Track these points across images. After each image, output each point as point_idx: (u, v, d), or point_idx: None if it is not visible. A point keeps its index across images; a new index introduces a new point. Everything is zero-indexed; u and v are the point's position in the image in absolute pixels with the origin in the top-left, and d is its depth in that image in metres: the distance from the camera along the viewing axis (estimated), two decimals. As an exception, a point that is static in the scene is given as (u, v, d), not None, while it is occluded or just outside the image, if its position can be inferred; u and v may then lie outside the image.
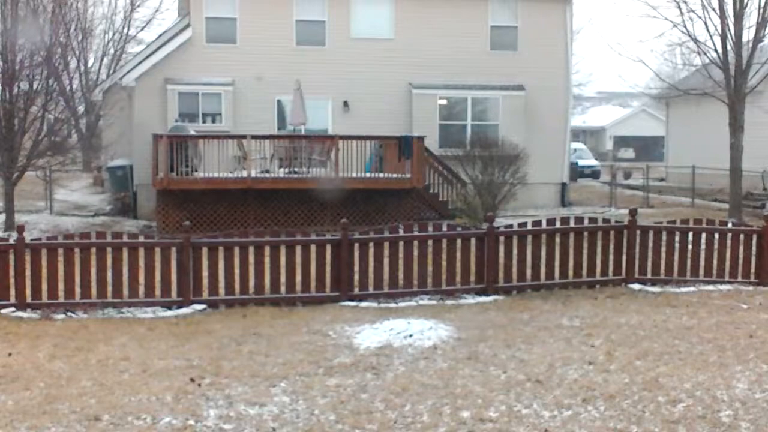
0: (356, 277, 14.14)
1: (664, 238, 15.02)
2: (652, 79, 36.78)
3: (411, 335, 11.04)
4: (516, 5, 28.45)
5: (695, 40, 25.39)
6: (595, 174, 43.57)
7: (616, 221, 16.07)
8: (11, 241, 13.87)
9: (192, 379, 9.18)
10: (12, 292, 13.29)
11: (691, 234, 15.08)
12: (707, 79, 25.54)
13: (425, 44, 27.46)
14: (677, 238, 15.08)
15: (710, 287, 14.57)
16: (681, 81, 35.41)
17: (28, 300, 13.27)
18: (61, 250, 13.54)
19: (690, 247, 14.99)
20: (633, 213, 15.26)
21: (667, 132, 41.66)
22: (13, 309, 13.15)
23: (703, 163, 30.60)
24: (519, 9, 28.44)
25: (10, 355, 10.53)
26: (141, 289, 13.60)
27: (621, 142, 71.47)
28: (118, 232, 15.80)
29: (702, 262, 14.97)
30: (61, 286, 13.41)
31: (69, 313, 13.14)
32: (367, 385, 8.93)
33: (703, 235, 15.08)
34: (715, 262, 15.01)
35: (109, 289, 13.46)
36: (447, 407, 8.07)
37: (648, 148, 65.49)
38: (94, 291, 13.42)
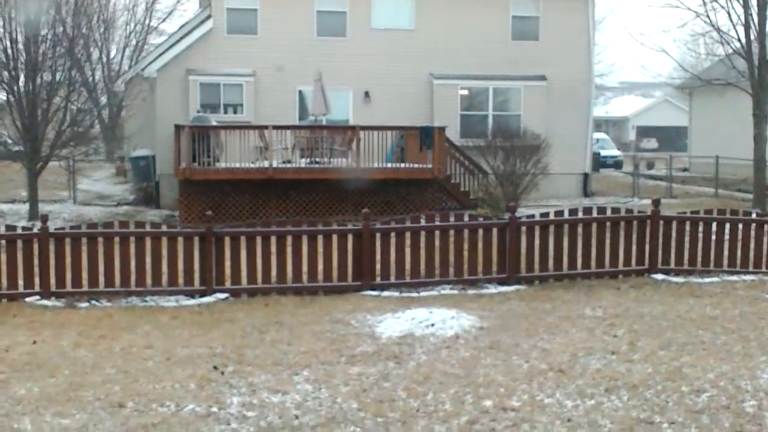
0: (378, 266, 14.14)
1: (687, 228, 14.93)
2: (674, 69, 36.56)
3: (433, 324, 11.05)
4: (538, -5, 28.35)
5: (718, 30, 25.24)
6: (617, 164, 43.36)
7: (639, 211, 15.99)
8: (35, 231, 13.98)
9: (215, 367, 9.23)
10: (36, 280, 13.40)
11: (714, 224, 14.99)
12: (731, 69, 25.37)
13: (446, 34, 27.39)
14: (700, 229, 14.98)
15: (734, 278, 14.47)
16: (704, 71, 35.17)
17: (53, 288, 13.37)
18: (84, 240, 13.63)
19: (713, 237, 14.90)
20: (656, 203, 15.18)
21: (690, 122, 41.42)
22: (37, 297, 13.26)
23: (727, 154, 30.38)
24: (541, -1, 28.34)
25: (35, 342, 10.62)
26: (164, 278, 13.67)
27: (644, 132, 71.12)
28: (141, 222, 15.89)
29: (726, 253, 14.86)
30: (84, 275, 13.50)
31: (93, 302, 13.23)
32: (389, 373, 8.94)
33: (727, 226, 14.97)
34: (738, 252, 14.90)
35: (133, 278, 13.54)
36: (469, 396, 8.07)
37: (671, 138, 65.17)
38: (117, 280, 13.51)
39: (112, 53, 46.93)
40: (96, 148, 29.70)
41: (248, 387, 8.52)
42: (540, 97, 28.00)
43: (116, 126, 41.59)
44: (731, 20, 24.61)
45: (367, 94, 27.32)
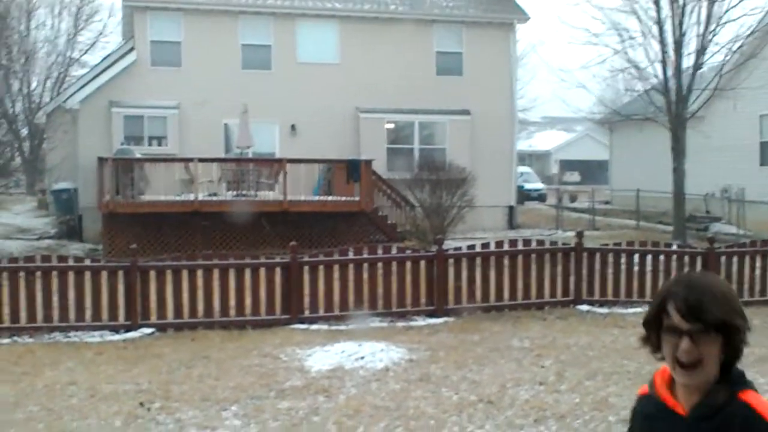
0: (306, 299, 14.08)
1: (610, 260, 15.20)
2: (595, 104, 37.27)
3: (362, 357, 11.03)
4: (461, 31, 28.76)
5: (636, 67, 25.81)
6: (541, 197, 44.01)
7: (564, 243, 16.23)
8: (-46, 265, 13.60)
9: (141, 403, 9.07)
10: (-46, 317, 13.02)
11: (637, 256, 15.30)
12: (649, 105, 25.97)
13: (371, 69, 27.60)
14: (623, 260, 15.28)
15: (656, 308, 14.71)
16: (623, 106, 35.92)
17: (-28, 325, 13.01)
18: (5, 274, 13.31)
19: (636, 268, 15.19)
20: (579, 235, 15.43)
21: (611, 156, 42.20)
22: (-45, 334, 12.89)
23: (648, 187, 31.06)
24: (464, 35, 28.75)
25: (-47, 381, 10.31)
26: (88, 313, 13.41)
27: (566, 165, 72.22)
28: (64, 256, 15.58)
29: (648, 283, 15.15)
30: (5, 310, 13.17)
31: (14, 338, 12.91)
32: (319, 407, 8.89)
33: (649, 257, 15.28)
34: (660, 283, 15.17)
35: (56, 313, 13.25)
36: (400, 429, 8.07)
37: (593, 171, 66.27)
38: (40, 315, 13.20)
39: (33, 85, 46.21)
40: (16, 181, 29.11)
41: (176, 423, 8.39)
42: (464, 130, 28.33)
43: (37, 158, 40.87)
44: (648, 57, 25.23)
45: (293, 127, 27.32)
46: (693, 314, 2.43)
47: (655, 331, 2.55)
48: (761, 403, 2.45)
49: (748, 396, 2.47)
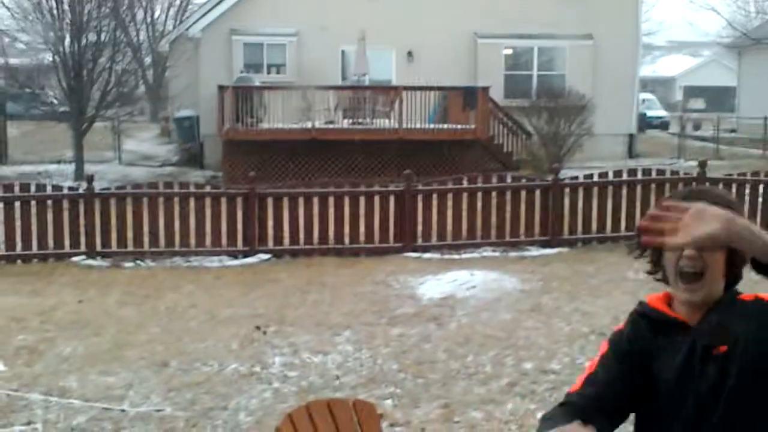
0: (419, 228, 14.14)
1: (734, 190, 14.73)
2: (724, 28, 35.93)
3: (474, 286, 11.04)
4: (584, -48, 27.86)
5: (770, -13, 24.68)
6: (663, 125, 42.78)
7: (685, 173, 15.80)
8: (81, 191, 14.12)
9: (258, 327, 9.32)
10: (82, 240, 13.56)
11: (761, 186, 14.77)
12: (782, 28, 24.86)
13: (491, -7, 27.06)
14: (747, 191, 14.78)
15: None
16: (754, 30, 34.52)
17: (98, 248, 13.53)
18: (129, 200, 13.75)
19: (760, 199, 14.69)
20: (702, 165, 14.98)
21: (738, 82, 40.70)
22: (83, 257, 13.43)
23: (776, 115, 29.87)
24: (587, -44, 27.85)
25: (80, 302, 10.78)
26: (208, 239, 13.78)
27: (691, 92, 69.97)
28: (185, 182, 16.01)
29: (773, 215, 14.66)
30: (129, 234, 13.64)
31: (138, 262, 13.40)
32: (430, 335, 8.97)
33: (775, 188, 14.75)
34: (786, 215, 14.69)
35: (177, 238, 13.66)
36: (510, 358, 8.08)
37: (719, 98, 64.02)
38: (162, 240, 13.64)
39: (157, 13, 47.11)
40: (141, 109, 29.92)
41: (290, 347, 8.59)
42: (585, 56, 27.62)
43: (161, 87, 41.78)
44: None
45: (410, 53, 27.14)
46: None
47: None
48: None
49: (756, 295, 2.36)
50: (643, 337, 2.47)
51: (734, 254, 2.32)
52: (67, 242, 13.53)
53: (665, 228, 2.15)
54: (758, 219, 14.57)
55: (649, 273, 2.52)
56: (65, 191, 14.29)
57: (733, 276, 2.40)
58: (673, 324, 2.43)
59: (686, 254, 2.33)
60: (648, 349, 2.44)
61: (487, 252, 13.84)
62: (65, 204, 13.59)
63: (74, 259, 13.36)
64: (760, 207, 14.63)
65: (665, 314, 2.46)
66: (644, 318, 2.50)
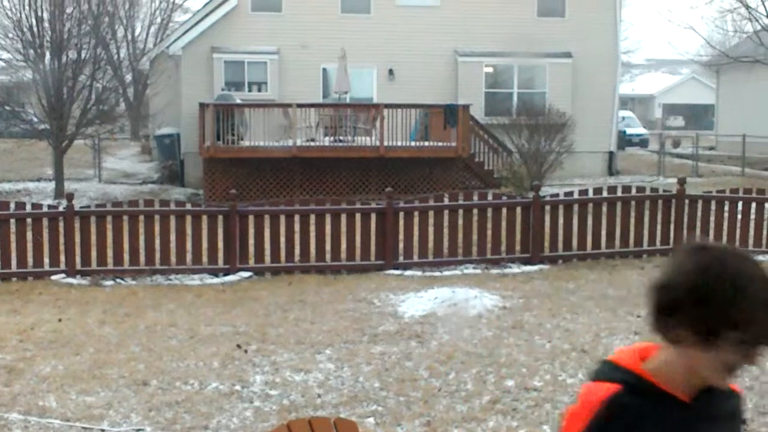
0: (401, 245, 14.14)
1: (713, 207, 14.83)
2: (702, 47, 36.23)
3: (455, 304, 11.05)
4: (564, -29, 28.06)
5: (746, 7, 24.98)
6: (643, 142, 43.03)
7: (665, 191, 15.89)
8: (61, 209, 14.06)
9: (238, 345, 9.28)
10: (62, 258, 13.49)
11: (740, 204, 14.88)
12: (759, 46, 25.13)
13: (471, 11, 27.18)
14: (726, 208, 14.88)
15: (760, 257, 14.36)
16: (732, 48, 34.82)
17: (78, 267, 13.46)
18: (109, 218, 13.69)
19: (739, 216, 14.79)
20: (681, 182, 15.08)
21: (717, 100, 41.02)
22: (63, 275, 13.36)
23: (754, 132, 30.09)
24: (567, -25, 28.05)
25: (60, 320, 10.71)
26: (188, 257, 13.75)
27: (670, 110, 70.51)
28: (166, 200, 15.96)
29: (751, 232, 14.75)
30: (110, 253, 13.58)
31: (118, 280, 13.33)
32: (411, 352, 8.96)
33: (753, 205, 14.85)
34: (765, 231, 14.78)
35: (157, 256, 13.62)
36: (491, 376, 8.08)
37: (698, 116, 64.56)
38: (142, 258, 13.59)
39: (137, 31, 46.99)
40: (121, 127, 29.84)
41: (271, 365, 8.56)
42: (565, 74, 27.79)
43: (141, 104, 41.72)
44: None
45: (391, 71, 27.23)
46: None
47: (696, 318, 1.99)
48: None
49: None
50: (636, 414, 2.07)
51: None
52: (46, 260, 13.46)
53: None
54: (737, 235, 14.67)
55: (661, 333, 2.08)
56: (45, 209, 14.21)
57: None
58: (671, 400, 2.08)
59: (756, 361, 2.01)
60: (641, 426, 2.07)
61: (469, 269, 13.85)
62: (45, 222, 13.52)
63: (54, 277, 13.28)
64: (738, 224, 14.72)
65: (660, 390, 2.08)
66: (636, 396, 2.07)
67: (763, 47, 24.68)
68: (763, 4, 24.30)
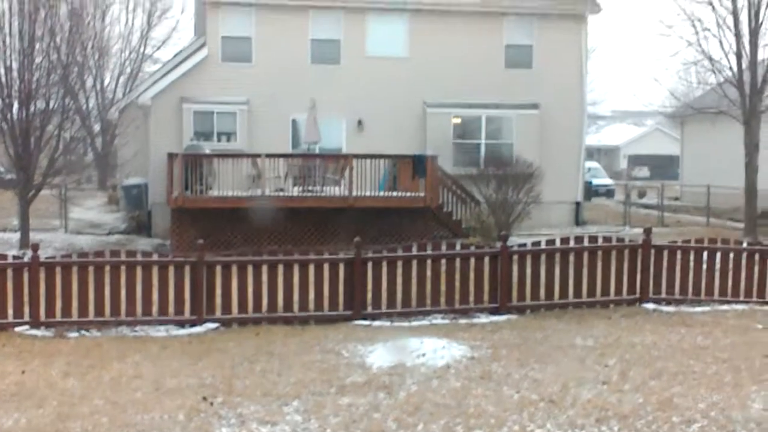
0: (369, 295, 14.12)
1: (678, 257, 14.95)
2: (666, 98, 36.61)
3: (424, 354, 11.01)
4: (531, 24, 28.43)
5: (710, 59, 25.38)
6: (609, 193, 43.43)
7: (631, 240, 16.01)
8: (26, 260, 13.93)
9: (204, 398, 9.18)
10: (26, 309, 13.34)
11: (705, 253, 15.01)
12: (722, 98, 25.48)
13: (440, 63, 27.46)
14: (692, 258, 15.01)
15: (725, 307, 14.48)
16: (696, 100, 35.35)
17: (42, 318, 13.33)
18: (75, 269, 13.59)
19: (705, 266, 14.92)
20: (647, 232, 15.21)
21: (682, 151, 41.57)
22: (27, 327, 13.21)
23: (719, 182, 30.46)
24: (534, 27, 28.41)
25: (23, 372, 10.56)
26: (155, 308, 13.63)
27: (635, 160, 71.32)
28: (132, 251, 15.86)
29: (717, 282, 14.88)
30: (75, 304, 13.45)
31: (83, 332, 13.19)
32: (379, 404, 8.90)
33: (718, 255, 14.99)
34: (729, 281, 14.91)
35: (123, 307, 13.50)
36: (460, 427, 8.04)
37: (663, 167, 65.34)
38: (107, 309, 13.46)
39: (106, 81, 46.99)
40: (88, 177, 29.69)
41: (237, 418, 8.47)
42: (532, 125, 28.06)
43: (109, 154, 41.62)
44: (723, 49, 24.80)
45: (360, 122, 27.37)
46: None
47: None
48: None
49: None
50: None
51: None
52: (10, 311, 13.30)
53: None
54: (703, 285, 14.78)
55: None
56: (10, 260, 14.05)
57: None
58: None
59: None
60: None
61: (437, 319, 13.85)
62: (9, 273, 13.37)
63: (18, 329, 13.13)
64: (704, 273, 14.84)
65: None
66: None
67: (727, 99, 25.05)
68: (726, 56, 24.73)
